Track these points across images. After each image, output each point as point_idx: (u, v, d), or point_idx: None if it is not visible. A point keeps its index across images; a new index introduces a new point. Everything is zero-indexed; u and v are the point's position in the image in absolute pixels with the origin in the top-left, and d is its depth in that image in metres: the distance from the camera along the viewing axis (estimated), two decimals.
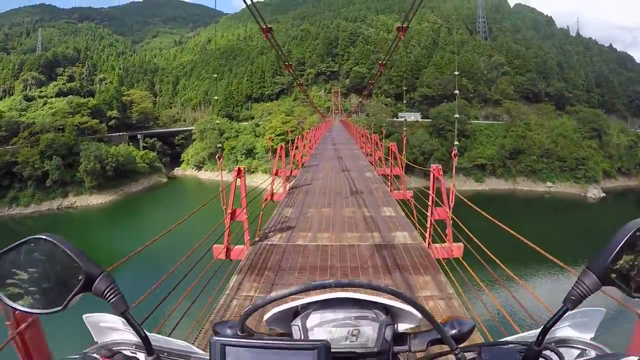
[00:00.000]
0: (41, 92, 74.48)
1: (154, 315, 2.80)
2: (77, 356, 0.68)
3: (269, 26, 5.22)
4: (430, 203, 5.46)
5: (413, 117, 58.34)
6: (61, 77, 79.77)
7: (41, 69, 78.57)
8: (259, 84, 71.23)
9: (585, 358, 0.70)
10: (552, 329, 0.70)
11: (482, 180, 51.35)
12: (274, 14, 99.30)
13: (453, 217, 4.92)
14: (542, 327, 0.66)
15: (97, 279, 0.64)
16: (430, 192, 5.51)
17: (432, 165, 5.68)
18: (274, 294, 0.70)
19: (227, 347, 0.62)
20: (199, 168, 63.44)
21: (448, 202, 4.95)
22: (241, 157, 57.54)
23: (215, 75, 71.84)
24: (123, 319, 0.70)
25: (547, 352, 0.67)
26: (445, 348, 0.72)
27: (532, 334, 0.72)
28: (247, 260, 5.09)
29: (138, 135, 65.10)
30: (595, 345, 0.72)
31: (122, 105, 69.23)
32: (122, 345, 0.76)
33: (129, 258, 2.91)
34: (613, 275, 0.59)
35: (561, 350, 0.68)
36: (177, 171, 66.44)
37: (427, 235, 5.51)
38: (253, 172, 53.12)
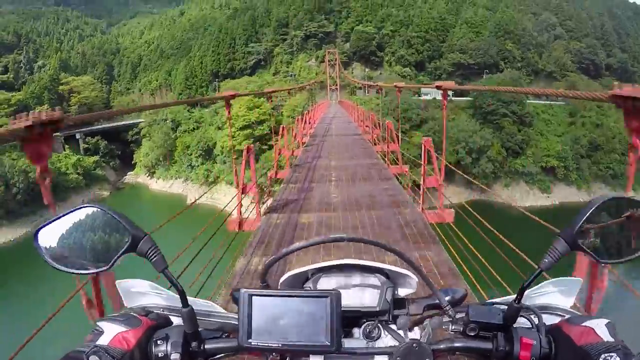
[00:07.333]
0: None
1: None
2: (117, 314, 0.73)
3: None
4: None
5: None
6: None
7: None
8: (228, 55, 54.43)
9: (561, 318, 0.75)
10: (533, 295, 0.79)
11: (549, 191, 34.71)
12: None
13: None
14: (520, 286, 0.71)
15: (142, 241, 0.69)
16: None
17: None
18: (294, 245, 0.74)
19: (253, 297, 0.69)
20: (151, 174, 48.18)
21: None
22: (197, 159, 41.80)
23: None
24: (151, 284, 0.80)
25: (528, 314, 0.72)
26: None
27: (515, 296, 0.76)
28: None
29: (77, 135, 49.42)
30: (572, 312, 0.77)
31: (57, 97, 53.81)
32: (152, 308, 0.81)
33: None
34: (580, 242, 0.67)
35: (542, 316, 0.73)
36: (130, 177, 51.33)
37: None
38: (213, 182, 37.62)
